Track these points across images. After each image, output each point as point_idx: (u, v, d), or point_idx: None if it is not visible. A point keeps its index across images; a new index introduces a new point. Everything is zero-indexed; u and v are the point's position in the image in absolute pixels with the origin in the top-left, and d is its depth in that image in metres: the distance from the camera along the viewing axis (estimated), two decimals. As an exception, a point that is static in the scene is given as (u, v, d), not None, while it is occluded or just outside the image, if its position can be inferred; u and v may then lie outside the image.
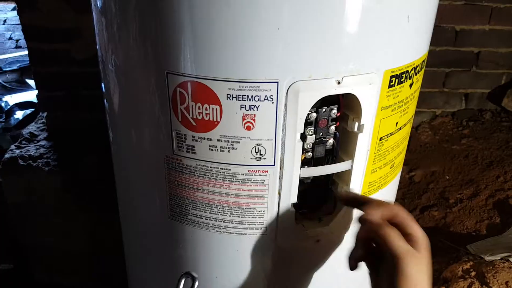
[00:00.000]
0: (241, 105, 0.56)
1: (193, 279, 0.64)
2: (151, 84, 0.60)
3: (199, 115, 0.57)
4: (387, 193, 0.76)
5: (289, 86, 0.55)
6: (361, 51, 0.56)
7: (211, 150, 0.60)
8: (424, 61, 0.68)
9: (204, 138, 0.59)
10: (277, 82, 0.54)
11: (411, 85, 0.65)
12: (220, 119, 0.57)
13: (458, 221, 1.47)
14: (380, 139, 0.65)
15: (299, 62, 0.54)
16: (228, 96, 0.55)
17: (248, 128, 0.57)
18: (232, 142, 0.58)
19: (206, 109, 0.57)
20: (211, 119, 0.57)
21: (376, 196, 0.71)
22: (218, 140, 0.59)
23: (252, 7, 0.50)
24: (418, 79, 0.68)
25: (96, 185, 1.43)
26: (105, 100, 0.74)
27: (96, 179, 1.41)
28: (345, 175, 0.66)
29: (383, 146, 0.66)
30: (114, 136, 0.77)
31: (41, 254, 1.60)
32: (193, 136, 0.59)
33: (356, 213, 0.69)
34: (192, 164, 0.62)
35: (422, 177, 1.69)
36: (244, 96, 0.55)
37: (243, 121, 0.57)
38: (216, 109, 0.56)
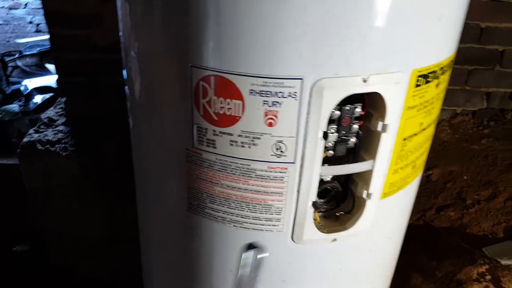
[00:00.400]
0: (264, 101, 0.55)
1: (259, 250, 0.61)
2: (174, 76, 0.59)
3: (221, 109, 0.57)
4: (407, 193, 0.75)
5: (314, 84, 0.54)
6: (389, 49, 0.55)
7: (232, 145, 0.59)
8: (452, 61, 0.67)
9: (225, 133, 0.58)
10: (302, 79, 0.53)
11: (437, 85, 0.64)
12: (242, 114, 0.56)
13: (474, 223, 1.45)
14: (404, 139, 0.63)
15: (325, 59, 0.53)
16: (251, 91, 0.54)
17: (270, 125, 0.56)
18: (253, 138, 0.58)
19: (229, 103, 0.56)
20: (233, 114, 0.56)
21: (395, 196, 0.70)
22: (239, 136, 0.58)
23: (280, 3, 0.49)
24: (445, 79, 0.66)
25: (114, 173, 1.43)
26: (126, 88, 0.73)
27: (115, 166, 1.42)
28: (366, 175, 0.65)
29: (407, 147, 0.65)
30: (134, 124, 0.76)
31: (56, 238, 1.62)
32: (214, 131, 0.59)
33: (375, 215, 0.68)
34: (212, 158, 0.61)
35: (440, 176, 1.66)
36: (267, 92, 0.54)
37: (265, 117, 0.56)
38: (239, 104, 0.56)
